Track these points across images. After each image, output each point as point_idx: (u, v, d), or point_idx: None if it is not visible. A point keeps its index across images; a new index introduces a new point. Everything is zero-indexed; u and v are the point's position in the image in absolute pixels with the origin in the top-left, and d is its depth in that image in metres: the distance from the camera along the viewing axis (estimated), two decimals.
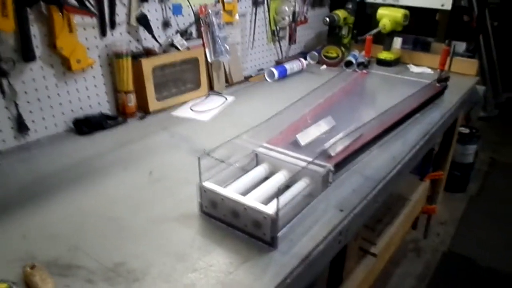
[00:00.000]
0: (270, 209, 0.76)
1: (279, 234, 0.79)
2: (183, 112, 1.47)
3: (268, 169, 0.98)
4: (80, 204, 0.93)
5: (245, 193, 0.87)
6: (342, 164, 0.98)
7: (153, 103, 1.44)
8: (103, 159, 1.14)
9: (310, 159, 0.92)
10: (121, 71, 1.34)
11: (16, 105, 1.15)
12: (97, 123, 1.30)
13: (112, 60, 1.35)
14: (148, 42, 1.45)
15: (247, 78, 1.85)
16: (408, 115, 1.28)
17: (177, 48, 1.48)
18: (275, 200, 0.82)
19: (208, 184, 0.85)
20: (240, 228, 0.82)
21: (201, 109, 1.49)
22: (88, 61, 1.27)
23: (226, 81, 1.78)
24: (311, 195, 0.91)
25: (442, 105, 1.53)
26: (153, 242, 0.81)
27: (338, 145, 1.00)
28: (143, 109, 1.45)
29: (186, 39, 1.53)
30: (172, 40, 1.48)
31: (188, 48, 1.51)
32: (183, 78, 1.55)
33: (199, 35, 1.61)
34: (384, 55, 2.02)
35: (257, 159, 1.01)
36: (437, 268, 2.02)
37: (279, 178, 0.94)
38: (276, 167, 0.97)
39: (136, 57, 1.37)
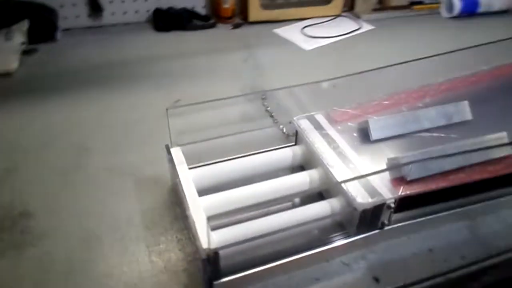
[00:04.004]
0: (205, 240, 0.43)
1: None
2: (288, 31, 1.10)
3: (300, 156, 0.60)
4: (79, 112, 0.78)
5: (237, 184, 0.54)
6: (425, 199, 0.52)
7: (255, 11, 1.11)
8: (149, 66, 0.94)
9: (362, 171, 0.50)
10: None
11: None
12: (177, 21, 1.07)
13: None
14: None
15: (414, 4, 1.29)
16: None
17: None
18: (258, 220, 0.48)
19: (175, 151, 0.55)
20: (190, 238, 0.52)
21: (315, 34, 1.09)
22: None
23: (381, 2, 1.27)
24: (340, 227, 0.52)
25: None
26: (86, 202, 0.58)
27: (439, 164, 0.52)
28: (244, 16, 1.14)
29: None
30: None
31: None
32: None
33: None
34: None
35: (297, 135, 0.63)
36: None
37: (301, 180, 0.55)
38: (313, 159, 0.58)
39: None
